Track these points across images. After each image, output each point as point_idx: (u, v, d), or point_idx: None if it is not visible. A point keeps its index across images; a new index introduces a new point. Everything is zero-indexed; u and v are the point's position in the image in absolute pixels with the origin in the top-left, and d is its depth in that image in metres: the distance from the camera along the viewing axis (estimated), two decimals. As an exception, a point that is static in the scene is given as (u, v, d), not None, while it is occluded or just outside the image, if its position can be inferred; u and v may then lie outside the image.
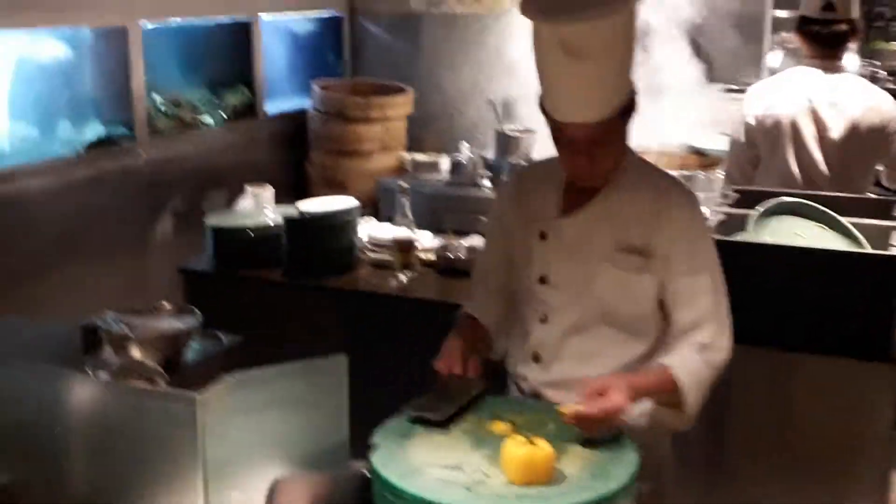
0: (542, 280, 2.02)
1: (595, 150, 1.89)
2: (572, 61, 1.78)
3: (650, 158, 2.11)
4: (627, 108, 1.91)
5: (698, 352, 1.91)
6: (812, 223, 2.64)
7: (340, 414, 1.88)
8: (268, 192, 3.30)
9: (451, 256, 3.11)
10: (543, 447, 1.62)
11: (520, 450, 1.61)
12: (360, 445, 1.79)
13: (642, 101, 1.96)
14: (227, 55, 4.36)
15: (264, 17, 4.41)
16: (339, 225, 3.09)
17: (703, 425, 2.05)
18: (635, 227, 1.94)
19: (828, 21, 3.14)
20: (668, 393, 1.88)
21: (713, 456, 2.60)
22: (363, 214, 3.34)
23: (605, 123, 1.86)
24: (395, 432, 1.76)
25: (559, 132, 1.91)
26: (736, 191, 2.93)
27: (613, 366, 1.96)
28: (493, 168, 4.25)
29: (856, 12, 3.19)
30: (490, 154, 4.51)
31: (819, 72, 3.20)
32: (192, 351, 2.20)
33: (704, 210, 2.17)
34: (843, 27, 3.15)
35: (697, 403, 1.90)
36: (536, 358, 2.04)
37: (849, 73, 3.30)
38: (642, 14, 3.53)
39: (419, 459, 1.67)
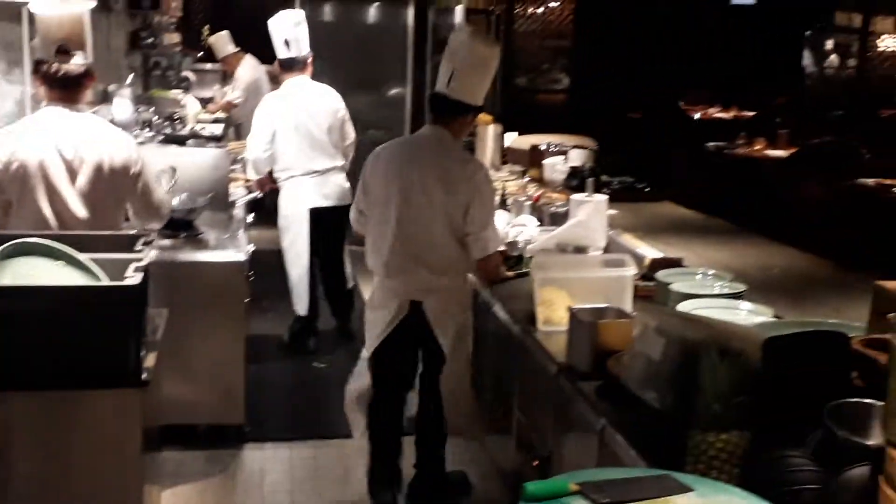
0: None
1: None
2: None
3: None
4: None
5: None
6: (54, 262, 2.67)
7: None
8: None
9: None
10: None
11: None
12: None
13: None
14: None
15: None
16: None
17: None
18: None
19: (61, 64, 3.22)
20: None
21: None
22: None
23: None
24: None
25: None
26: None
27: None
28: None
29: (86, 58, 3.30)
30: None
31: (65, 114, 3.26)
32: None
33: None
34: (78, 69, 3.25)
35: None
36: None
37: (92, 115, 3.43)
38: None
39: None
